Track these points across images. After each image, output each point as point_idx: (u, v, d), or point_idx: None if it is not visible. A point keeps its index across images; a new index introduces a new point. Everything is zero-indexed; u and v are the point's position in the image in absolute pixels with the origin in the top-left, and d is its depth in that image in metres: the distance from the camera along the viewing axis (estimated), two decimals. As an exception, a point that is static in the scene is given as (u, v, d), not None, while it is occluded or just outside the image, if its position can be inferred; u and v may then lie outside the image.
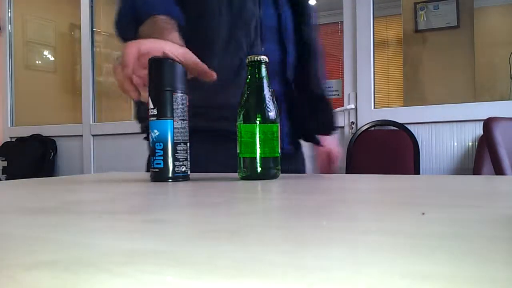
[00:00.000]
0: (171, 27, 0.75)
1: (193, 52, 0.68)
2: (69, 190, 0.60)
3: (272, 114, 0.65)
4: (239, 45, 0.88)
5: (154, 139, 0.63)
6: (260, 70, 0.66)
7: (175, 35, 0.73)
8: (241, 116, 0.65)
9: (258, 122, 0.64)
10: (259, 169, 0.65)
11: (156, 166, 0.63)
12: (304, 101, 0.97)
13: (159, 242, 0.25)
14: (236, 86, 0.80)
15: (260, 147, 0.64)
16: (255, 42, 0.88)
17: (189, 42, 0.74)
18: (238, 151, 0.66)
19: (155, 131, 0.62)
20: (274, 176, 0.67)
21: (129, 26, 0.80)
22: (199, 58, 0.69)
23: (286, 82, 0.95)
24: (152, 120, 0.62)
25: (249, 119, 0.65)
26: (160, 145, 0.62)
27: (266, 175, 0.65)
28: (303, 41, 0.96)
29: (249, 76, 0.67)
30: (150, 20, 0.76)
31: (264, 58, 0.66)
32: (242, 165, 0.66)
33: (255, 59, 0.66)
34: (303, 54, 0.97)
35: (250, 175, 0.65)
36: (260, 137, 0.64)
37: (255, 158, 0.64)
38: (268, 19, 0.92)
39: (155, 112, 0.62)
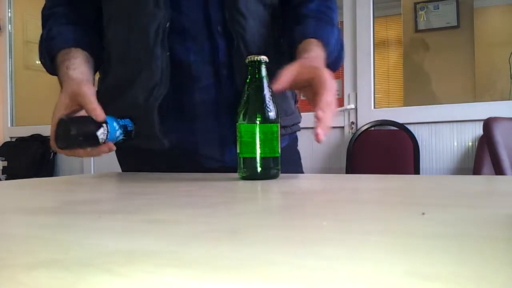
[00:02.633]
0: (77, 60, 0.80)
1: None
2: (69, 190, 0.60)
3: (272, 114, 0.65)
4: (134, 54, 0.80)
5: None
6: (260, 70, 0.66)
7: (80, 69, 0.79)
8: (241, 116, 0.65)
9: (258, 122, 0.64)
10: (259, 169, 0.65)
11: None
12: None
13: (159, 242, 0.25)
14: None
15: (260, 147, 0.64)
16: (155, 48, 0.77)
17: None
18: (238, 151, 0.66)
19: None
20: (274, 176, 0.67)
21: (45, 57, 0.85)
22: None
23: (219, 82, 0.82)
24: None
25: (249, 119, 0.65)
26: None
27: (266, 175, 0.65)
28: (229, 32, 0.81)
29: (249, 76, 0.67)
30: (61, 57, 0.81)
31: (264, 58, 0.66)
32: (242, 165, 0.66)
33: (254, 59, 0.66)
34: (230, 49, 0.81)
35: (250, 175, 0.65)
36: (260, 137, 0.64)
37: (255, 158, 0.64)
38: (189, 13, 0.80)
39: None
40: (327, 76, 0.66)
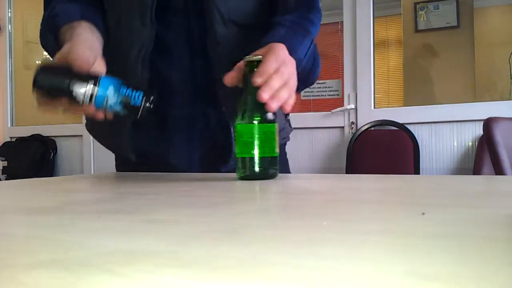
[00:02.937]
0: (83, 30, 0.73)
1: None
2: (69, 190, 0.60)
3: (270, 114, 0.65)
4: (117, 63, 0.78)
5: None
6: (260, 70, 0.66)
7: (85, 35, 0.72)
8: (240, 115, 0.65)
9: (256, 122, 0.64)
10: (257, 169, 0.65)
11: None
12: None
13: (159, 242, 0.25)
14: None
15: (258, 147, 0.64)
16: (135, 67, 0.78)
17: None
18: (236, 151, 0.66)
19: None
20: (272, 176, 0.67)
21: (47, 38, 0.81)
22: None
23: (197, 99, 0.83)
24: None
25: (248, 119, 0.65)
26: None
27: (264, 175, 0.65)
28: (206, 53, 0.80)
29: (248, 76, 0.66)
30: (68, 25, 0.75)
31: (262, 58, 0.66)
32: (240, 165, 0.66)
33: (253, 59, 0.66)
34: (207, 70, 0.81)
35: (249, 175, 0.65)
36: (258, 137, 0.64)
37: (254, 158, 0.64)
38: (172, 31, 0.81)
39: None
40: (279, 47, 0.66)
